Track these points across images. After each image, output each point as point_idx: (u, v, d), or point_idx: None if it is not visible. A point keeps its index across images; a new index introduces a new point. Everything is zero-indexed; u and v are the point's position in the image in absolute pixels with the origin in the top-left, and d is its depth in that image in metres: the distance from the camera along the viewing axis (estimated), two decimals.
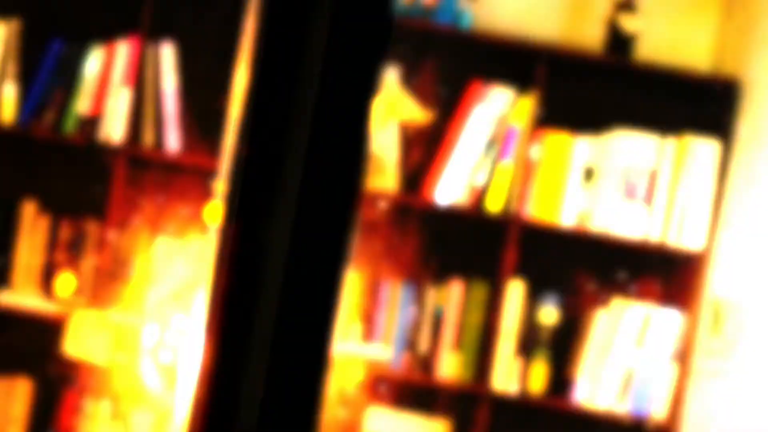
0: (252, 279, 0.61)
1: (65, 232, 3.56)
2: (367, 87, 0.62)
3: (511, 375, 3.62)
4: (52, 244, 3.58)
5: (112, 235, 3.55)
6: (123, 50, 3.57)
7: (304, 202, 0.61)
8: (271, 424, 0.61)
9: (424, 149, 3.70)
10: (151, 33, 3.59)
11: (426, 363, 3.64)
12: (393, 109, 3.57)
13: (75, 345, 2.87)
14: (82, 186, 3.68)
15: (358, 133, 0.62)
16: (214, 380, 0.62)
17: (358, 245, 3.66)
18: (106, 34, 3.64)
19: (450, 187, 3.60)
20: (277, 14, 0.61)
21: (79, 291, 3.52)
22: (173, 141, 3.57)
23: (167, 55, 3.58)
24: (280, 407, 0.61)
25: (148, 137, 3.58)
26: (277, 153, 0.62)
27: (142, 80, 3.59)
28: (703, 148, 3.61)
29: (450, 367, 3.63)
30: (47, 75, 3.56)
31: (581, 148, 3.63)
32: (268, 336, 0.61)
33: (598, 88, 3.80)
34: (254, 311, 0.62)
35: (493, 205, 3.59)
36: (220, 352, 0.62)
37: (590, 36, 3.83)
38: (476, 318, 3.65)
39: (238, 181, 0.63)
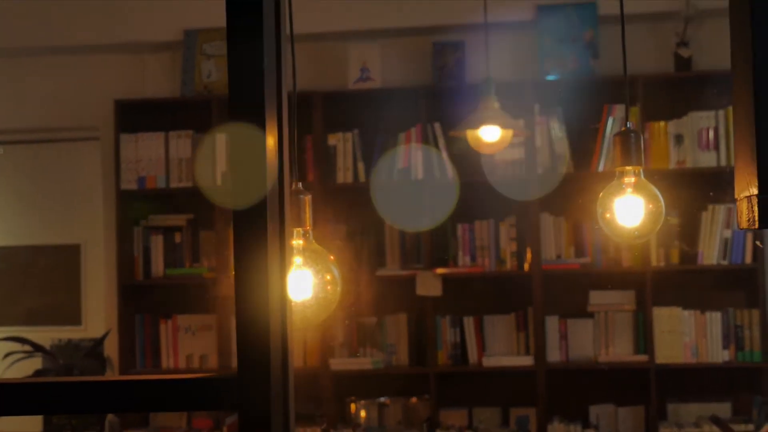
0: None
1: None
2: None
3: (659, 255, 6.40)
4: None
5: None
6: (413, 133, 6.57)
7: None
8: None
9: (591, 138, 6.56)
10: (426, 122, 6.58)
11: (616, 261, 6.47)
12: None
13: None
14: None
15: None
16: None
17: (559, 204, 6.50)
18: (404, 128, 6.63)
19: (605, 159, 6.45)
20: None
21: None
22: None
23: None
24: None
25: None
26: None
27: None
28: None
29: (628, 260, 6.44)
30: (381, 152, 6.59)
31: (671, 126, 6.44)
32: None
33: (674, 93, 6.58)
34: None
35: None
36: None
37: (666, 66, 6.65)
38: None
39: None
